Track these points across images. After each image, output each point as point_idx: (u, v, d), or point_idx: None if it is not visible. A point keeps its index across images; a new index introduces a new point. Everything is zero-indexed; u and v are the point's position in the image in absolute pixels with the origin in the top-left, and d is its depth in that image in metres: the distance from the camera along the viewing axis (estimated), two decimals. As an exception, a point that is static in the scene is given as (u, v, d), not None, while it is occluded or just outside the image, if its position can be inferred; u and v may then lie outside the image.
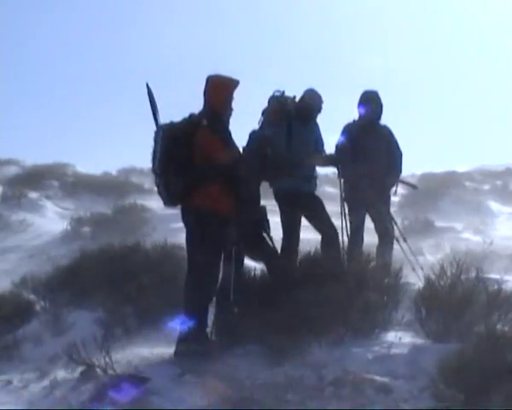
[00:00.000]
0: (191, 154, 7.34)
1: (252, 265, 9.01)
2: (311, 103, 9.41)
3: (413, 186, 11.35)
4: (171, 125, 7.47)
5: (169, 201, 7.68)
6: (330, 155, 9.72)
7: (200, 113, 7.66)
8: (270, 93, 9.33)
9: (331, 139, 10.23)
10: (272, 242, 8.28)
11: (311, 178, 9.47)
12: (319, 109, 9.53)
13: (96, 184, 25.55)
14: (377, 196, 10.16)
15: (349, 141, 10.00)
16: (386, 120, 10.34)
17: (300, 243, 9.47)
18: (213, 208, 7.39)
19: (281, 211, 9.42)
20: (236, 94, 7.72)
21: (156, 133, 7.39)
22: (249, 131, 8.93)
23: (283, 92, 9.17)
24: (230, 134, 7.76)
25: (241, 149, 8.06)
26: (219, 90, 7.64)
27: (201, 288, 7.48)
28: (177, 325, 7.52)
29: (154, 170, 7.50)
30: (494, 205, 23.83)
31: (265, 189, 9.22)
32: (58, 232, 17.15)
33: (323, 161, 9.69)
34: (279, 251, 8.88)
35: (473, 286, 8.24)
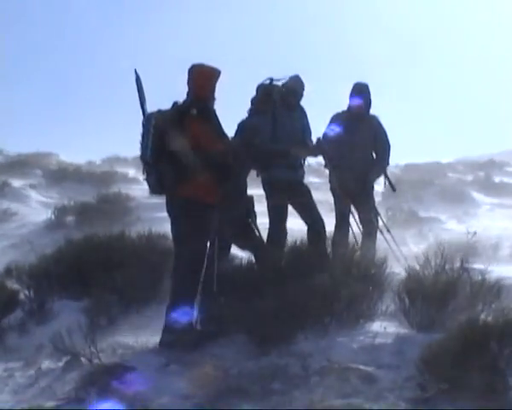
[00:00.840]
0: (182, 143, 7.32)
1: (238, 254, 9.05)
2: (294, 89, 9.43)
3: (392, 188, 11.34)
4: (162, 113, 7.47)
5: (160, 190, 7.68)
6: (316, 146, 9.73)
7: (186, 101, 7.66)
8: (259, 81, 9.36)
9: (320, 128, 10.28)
10: (259, 231, 8.31)
11: (299, 166, 9.50)
12: (301, 95, 9.55)
13: (80, 173, 25.51)
14: (360, 187, 10.20)
15: (336, 131, 10.04)
16: (372, 109, 10.37)
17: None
18: (201, 198, 7.41)
19: (268, 200, 9.44)
20: (219, 84, 7.74)
21: (147, 121, 7.38)
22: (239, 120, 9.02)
23: (272, 80, 9.16)
24: (219, 121, 7.76)
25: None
26: (204, 79, 7.65)
27: (187, 278, 7.49)
28: (163, 314, 7.54)
29: (143, 158, 7.50)
30: (477, 196, 23.94)
31: (253, 178, 9.25)
32: (42, 221, 17.13)
33: (309, 151, 9.70)
34: (266, 240, 8.91)
35: (457, 276, 8.30)
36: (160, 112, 7.47)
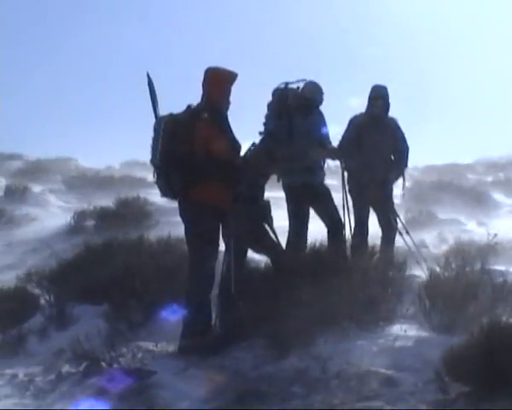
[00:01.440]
0: (192, 148, 7.32)
1: (256, 258, 9.03)
2: (310, 97, 9.42)
3: (404, 190, 11.29)
4: (172, 117, 7.45)
5: (169, 194, 7.72)
6: (334, 148, 9.71)
7: (199, 105, 7.63)
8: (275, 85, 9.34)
9: (336, 129, 10.25)
10: (276, 235, 8.28)
11: (317, 169, 9.48)
12: (320, 102, 9.54)
13: (99, 178, 25.57)
14: (379, 189, 10.17)
15: (355, 134, 10.01)
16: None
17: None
18: (212, 203, 7.42)
19: (288, 204, 9.44)
20: (234, 87, 7.71)
21: (157, 124, 7.38)
22: (256, 124, 9.05)
23: (287, 84, 9.13)
24: (230, 127, 7.74)
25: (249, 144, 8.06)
26: (219, 83, 7.60)
27: (201, 282, 7.49)
28: (181, 319, 7.53)
29: (153, 162, 7.50)
30: (497, 196, 23.83)
31: (273, 182, 9.24)
32: (62, 226, 17.16)
33: (327, 153, 9.67)
34: (284, 244, 8.90)
35: (477, 278, 8.27)
36: (171, 115, 7.45)
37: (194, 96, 7.72)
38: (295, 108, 9.23)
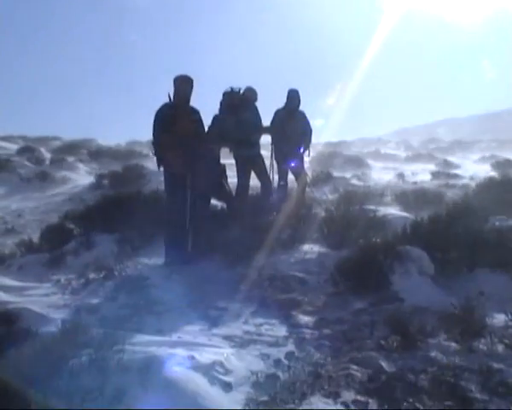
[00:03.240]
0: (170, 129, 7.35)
1: (216, 203, 9.07)
2: (248, 96, 9.47)
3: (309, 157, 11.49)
4: (160, 112, 7.43)
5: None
6: (267, 127, 9.77)
7: (171, 102, 7.60)
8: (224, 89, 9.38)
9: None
10: (229, 188, 8.32)
11: (256, 144, 9.52)
12: (255, 100, 9.58)
13: (112, 152, 25.42)
14: (294, 156, 10.26)
15: (279, 121, 10.08)
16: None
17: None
18: (173, 166, 7.48)
19: (237, 168, 9.48)
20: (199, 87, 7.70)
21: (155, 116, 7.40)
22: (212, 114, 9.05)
23: (232, 88, 9.19)
24: (200, 117, 7.70)
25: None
26: (184, 86, 7.58)
27: (172, 219, 7.57)
28: (164, 242, 7.59)
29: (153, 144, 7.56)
30: (370, 162, 24.07)
31: (227, 153, 9.28)
32: (87, 184, 17.00)
33: (264, 131, 9.71)
34: (234, 194, 8.97)
35: (357, 214, 8.39)
36: (160, 110, 7.43)
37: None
38: (240, 105, 9.28)
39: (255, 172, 9.60)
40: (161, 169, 7.67)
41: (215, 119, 9.02)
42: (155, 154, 7.51)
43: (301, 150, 10.30)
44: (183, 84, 7.62)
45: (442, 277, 5.79)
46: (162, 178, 7.81)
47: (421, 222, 6.95)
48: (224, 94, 9.24)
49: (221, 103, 9.23)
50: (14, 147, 25.08)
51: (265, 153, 10.12)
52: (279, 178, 10.30)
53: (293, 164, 9.96)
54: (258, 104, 9.55)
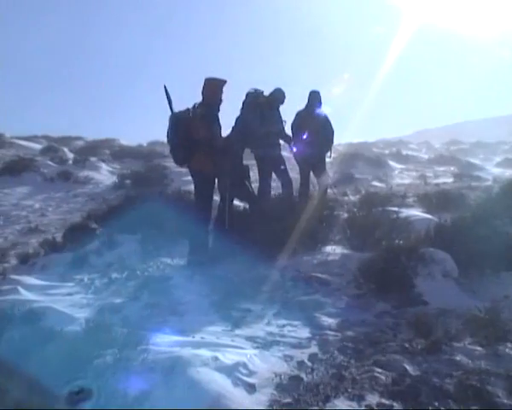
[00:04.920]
0: (189, 133, 7.34)
1: (239, 204, 9.08)
2: (277, 97, 9.50)
3: (331, 158, 11.48)
4: (177, 113, 7.43)
5: (176, 163, 7.76)
6: (287, 137, 9.81)
7: (197, 103, 7.60)
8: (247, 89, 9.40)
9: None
10: (252, 189, 8.30)
11: (277, 145, 9.55)
12: (282, 102, 9.60)
13: (134, 152, 25.60)
14: (317, 157, 10.26)
15: (300, 122, 10.12)
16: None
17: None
18: (202, 169, 7.48)
19: (259, 168, 9.51)
20: (225, 88, 7.66)
21: (170, 117, 7.39)
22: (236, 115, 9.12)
23: (256, 89, 9.23)
24: (217, 117, 7.69)
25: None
26: (212, 88, 7.57)
27: (201, 220, 7.55)
28: (188, 242, 7.59)
29: (168, 142, 7.57)
30: (392, 163, 23.92)
31: (249, 154, 9.29)
32: (110, 183, 17.13)
33: (282, 136, 9.71)
34: (257, 194, 8.99)
35: (379, 215, 8.34)
36: (177, 112, 7.43)
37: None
38: (265, 105, 9.32)
39: (276, 172, 9.61)
40: (185, 169, 7.73)
41: (238, 119, 9.06)
42: (180, 154, 7.52)
43: (324, 152, 10.34)
44: (219, 87, 7.64)
45: (466, 279, 5.74)
46: (184, 179, 7.83)
47: (445, 224, 6.87)
48: (248, 94, 9.26)
49: (244, 103, 9.24)
50: (37, 147, 25.31)
51: (286, 154, 10.13)
52: (301, 179, 10.32)
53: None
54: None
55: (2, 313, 4.71)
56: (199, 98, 7.61)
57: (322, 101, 10.36)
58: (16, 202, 14.73)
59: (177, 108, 7.47)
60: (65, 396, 3.24)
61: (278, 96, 9.55)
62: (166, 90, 7.40)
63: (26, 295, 5.81)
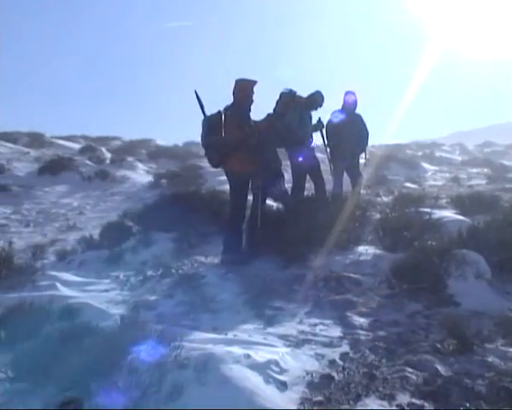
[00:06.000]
0: (222, 135, 7.34)
1: (271, 203, 9.07)
2: (316, 99, 9.49)
3: (366, 160, 11.39)
4: (210, 116, 7.44)
5: (211, 165, 7.76)
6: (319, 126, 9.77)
7: (228, 105, 7.61)
8: (281, 89, 9.39)
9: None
10: (285, 188, 8.29)
11: (312, 146, 9.58)
12: (321, 105, 9.60)
13: (170, 152, 25.73)
14: (351, 158, 10.25)
15: (335, 123, 10.13)
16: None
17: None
18: (238, 169, 7.47)
19: (292, 168, 9.52)
20: (256, 89, 7.66)
21: (203, 121, 7.40)
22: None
23: (290, 89, 9.22)
24: (249, 117, 7.69)
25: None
26: (243, 89, 7.57)
27: (236, 219, 7.55)
28: (222, 241, 7.60)
29: (203, 144, 7.56)
30: (425, 165, 23.66)
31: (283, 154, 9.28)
32: (146, 183, 17.24)
33: (315, 128, 9.67)
34: (290, 194, 8.98)
35: (412, 216, 8.27)
36: (210, 115, 7.44)
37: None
38: (304, 106, 9.32)
39: (309, 173, 9.59)
40: (221, 169, 7.76)
41: (272, 116, 9.02)
42: (215, 156, 7.53)
43: (358, 153, 10.34)
44: (249, 88, 7.64)
45: (499, 281, 5.65)
46: (218, 178, 7.86)
47: (478, 226, 6.79)
48: (282, 94, 9.24)
49: (277, 102, 9.23)
50: (76, 146, 25.59)
51: (320, 155, 10.11)
52: (335, 179, 10.29)
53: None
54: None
55: (41, 308, 4.80)
56: (229, 100, 7.63)
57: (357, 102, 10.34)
58: (55, 201, 14.95)
59: (209, 111, 7.50)
60: (57, 407, 3.28)
61: (317, 99, 9.52)
62: (198, 96, 7.43)
63: (63, 291, 5.90)
